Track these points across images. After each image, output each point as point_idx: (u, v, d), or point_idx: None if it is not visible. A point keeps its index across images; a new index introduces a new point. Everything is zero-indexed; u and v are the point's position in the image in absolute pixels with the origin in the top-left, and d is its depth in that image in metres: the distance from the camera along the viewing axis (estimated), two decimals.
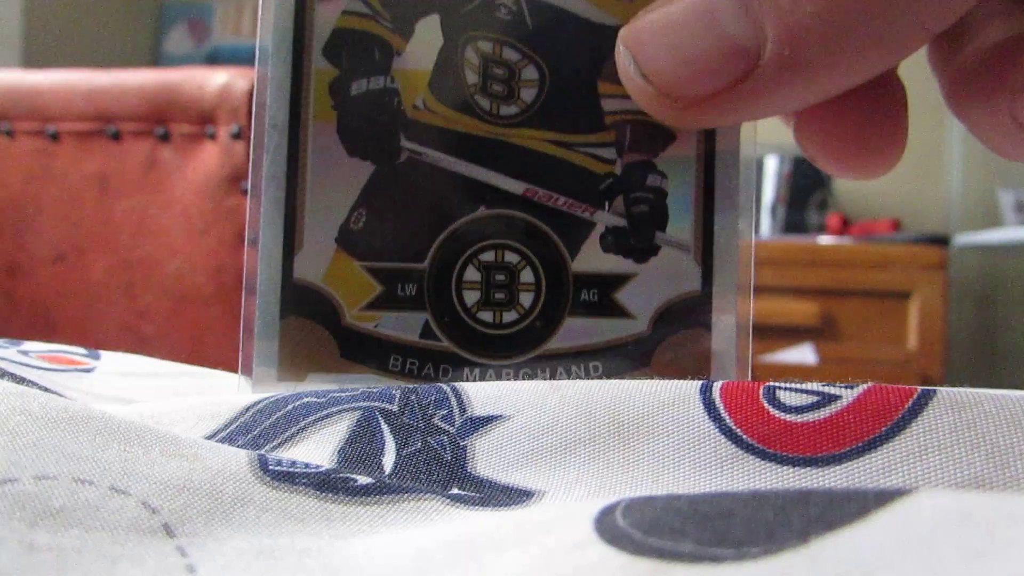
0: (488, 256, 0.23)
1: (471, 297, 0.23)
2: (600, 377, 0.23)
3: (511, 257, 0.23)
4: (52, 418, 0.16)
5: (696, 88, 0.19)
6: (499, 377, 0.23)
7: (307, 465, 0.17)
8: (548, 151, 0.23)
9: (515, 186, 0.23)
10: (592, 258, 0.23)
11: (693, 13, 0.19)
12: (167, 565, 0.14)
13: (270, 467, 0.17)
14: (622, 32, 0.20)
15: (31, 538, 0.13)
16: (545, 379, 0.23)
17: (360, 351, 0.22)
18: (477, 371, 0.23)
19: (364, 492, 0.17)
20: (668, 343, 0.23)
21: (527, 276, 0.23)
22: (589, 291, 0.23)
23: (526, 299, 0.23)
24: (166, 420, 0.20)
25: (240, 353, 0.22)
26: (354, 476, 0.17)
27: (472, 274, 0.23)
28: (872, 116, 0.21)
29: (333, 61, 0.23)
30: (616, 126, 0.23)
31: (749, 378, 0.22)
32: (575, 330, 0.23)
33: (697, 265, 0.23)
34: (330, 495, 0.16)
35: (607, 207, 0.23)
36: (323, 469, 0.17)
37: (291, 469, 0.17)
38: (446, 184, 0.23)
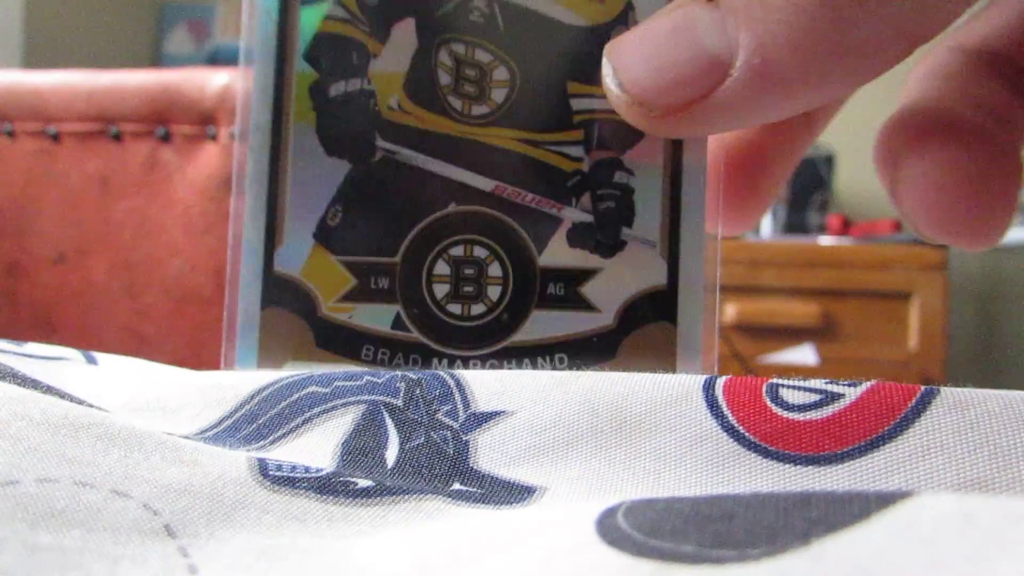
0: (457, 251, 0.23)
1: (440, 290, 0.23)
2: (565, 369, 0.23)
3: (480, 252, 0.23)
4: (53, 423, 0.16)
5: (668, 97, 0.19)
6: (466, 367, 0.23)
7: (307, 469, 0.17)
8: (517, 149, 0.23)
9: (485, 183, 0.23)
10: (559, 253, 0.23)
11: (672, 25, 0.19)
12: (169, 565, 0.14)
13: (270, 472, 0.17)
14: (607, 45, 0.21)
15: (33, 539, 0.13)
16: (511, 370, 0.23)
17: (335, 341, 0.23)
18: (445, 362, 0.23)
19: (365, 494, 0.17)
20: (633, 336, 0.23)
21: (495, 270, 0.23)
22: (555, 285, 0.23)
23: (494, 292, 0.23)
24: (172, 405, 0.21)
25: (223, 344, 0.23)
26: (355, 480, 0.17)
27: (442, 268, 0.23)
28: (982, 185, 0.21)
29: (314, 65, 0.23)
30: (584, 124, 0.23)
31: (715, 373, 0.22)
32: (541, 323, 0.23)
33: (663, 260, 0.23)
34: (331, 498, 0.16)
35: (574, 203, 0.23)
36: (323, 473, 0.17)
37: (291, 474, 0.17)
38: (419, 182, 0.23)
